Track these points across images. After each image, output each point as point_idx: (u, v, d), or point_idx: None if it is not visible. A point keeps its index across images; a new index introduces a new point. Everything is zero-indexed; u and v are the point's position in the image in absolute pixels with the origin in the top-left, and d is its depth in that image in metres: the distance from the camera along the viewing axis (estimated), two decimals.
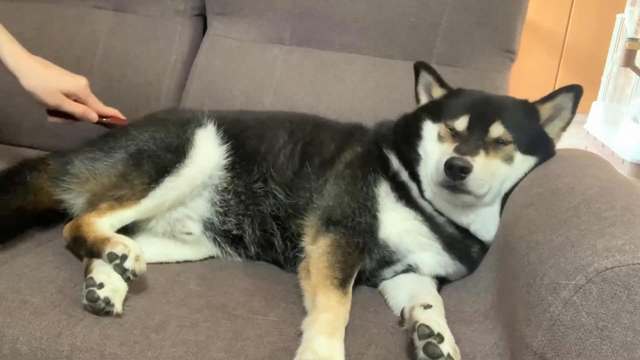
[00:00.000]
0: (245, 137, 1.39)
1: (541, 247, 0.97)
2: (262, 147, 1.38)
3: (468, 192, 1.17)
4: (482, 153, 1.18)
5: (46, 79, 1.35)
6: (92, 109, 1.43)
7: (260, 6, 1.84)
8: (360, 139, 1.41)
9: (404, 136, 1.32)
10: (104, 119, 1.51)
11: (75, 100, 1.43)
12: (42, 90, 1.35)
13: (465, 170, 1.14)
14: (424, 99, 1.41)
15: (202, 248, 1.37)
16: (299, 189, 1.33)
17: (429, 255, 1.27)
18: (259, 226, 1.33)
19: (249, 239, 1.34)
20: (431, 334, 0.96)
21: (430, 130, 1.28)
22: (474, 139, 1.20)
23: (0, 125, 1.94)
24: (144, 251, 1.14)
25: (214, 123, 1.38)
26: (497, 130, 1.21)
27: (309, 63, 1.80)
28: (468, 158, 1.15)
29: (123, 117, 1.53)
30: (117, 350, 0.99)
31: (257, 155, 1.37)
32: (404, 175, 1.29)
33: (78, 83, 1.40)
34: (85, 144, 1.36)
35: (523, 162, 1.25)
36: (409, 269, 1.28)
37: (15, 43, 1.38)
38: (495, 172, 1.20)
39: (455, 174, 1.14)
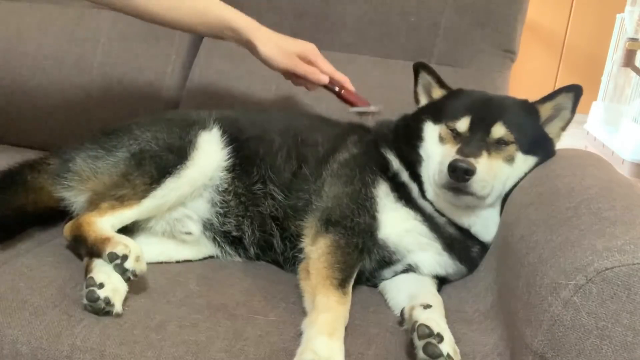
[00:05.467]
0: (245, 139, 1.39)
1: (541, 247, 0.97)
2: (260, 149, 1.37)
3: (471, 194, 1.17)
4: (484, 154, 1.18)
5: (281, 44, 1.43)
6: (322, 71, 1.46)
7: (261, 6, 1.84)
8: (360, 139, 1.41)
9: (404, 137, 1.32)
10: (333, 87, 1.49)
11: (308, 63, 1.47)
12: (278, 54, 1.42)
13: (469, 172, 1.14)
14: (423, 100, 1.41)
15: (202, 248, 1.37)
16: (297, 190, 1.32)
17: (429, 255, 1.27)
18: (258, 227, 1.33)
19: (249, 240, 1.34)
20: (431, 333, 0.96)
21: (431, 131, 1.28)
22: (476, 140, 1.20)
23: (0, 125, 1.94)
24: (144, 251, 1.14)
25: (220, 126, 1.37)
26: (499, 130, 1.21)
27: None
28: (471, 160, 1.15)
29: (352, 88, 1.50)
30: (117, 350, 0.99)
31: (256, 157, 1.36)
32: (405, 176, 1.29)
33: (310, 46, 1.46)
34: (87, 140, 1.35)
35: (524, 162, 1.25)
36: (409, 269, 1.27)
37: (244, 15, 1.45)
38: (498, 173, 1.20)
39: (459, 176, 1.14)
